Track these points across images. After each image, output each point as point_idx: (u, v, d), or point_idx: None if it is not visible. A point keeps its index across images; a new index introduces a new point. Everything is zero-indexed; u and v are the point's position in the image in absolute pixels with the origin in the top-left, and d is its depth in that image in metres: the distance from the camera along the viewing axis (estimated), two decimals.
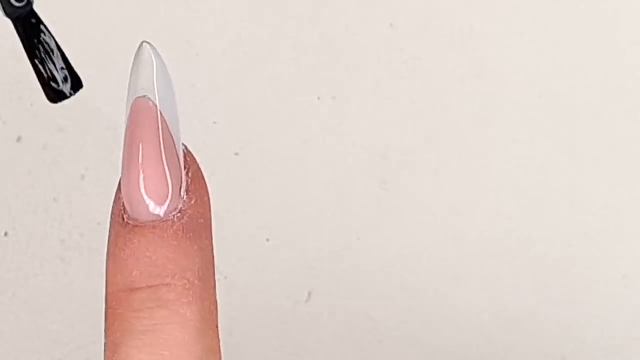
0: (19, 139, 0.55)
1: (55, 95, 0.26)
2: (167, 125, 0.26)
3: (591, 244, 0.61)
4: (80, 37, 0.57)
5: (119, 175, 0.26)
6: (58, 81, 0.26)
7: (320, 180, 0.58)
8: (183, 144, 0.27)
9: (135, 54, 0.26)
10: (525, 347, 0.61)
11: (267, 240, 0.58)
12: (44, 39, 0.26)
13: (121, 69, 0.56)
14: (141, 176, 0.26)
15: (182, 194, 0.26)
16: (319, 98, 0.57)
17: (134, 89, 0.26)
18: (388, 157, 0.59)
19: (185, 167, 0.26)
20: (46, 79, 0.26)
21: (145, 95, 0.26)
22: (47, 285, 0.56)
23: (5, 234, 0.56)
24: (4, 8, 0.26)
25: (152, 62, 0.26)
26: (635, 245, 0.61)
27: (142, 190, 0.26)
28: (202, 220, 0.26)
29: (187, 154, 0.27)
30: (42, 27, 0.26)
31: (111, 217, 0.26)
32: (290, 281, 0.59)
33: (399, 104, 0.58)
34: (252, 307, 0.58)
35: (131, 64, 0.27)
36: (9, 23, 0.55)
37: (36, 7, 0.56)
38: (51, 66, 0.26)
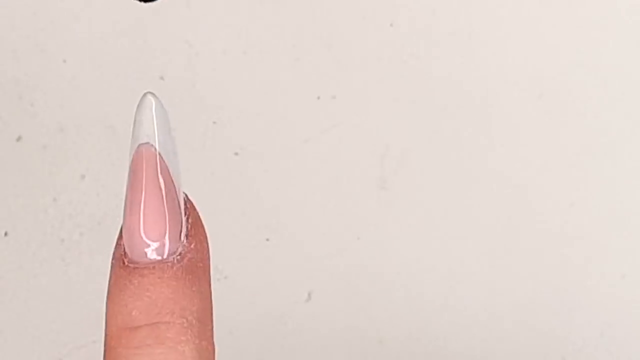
0: (19, 139, 0.55)
1: None
2: (168, 172, 0.27)
3: (591, 244, 0.61)
4: (80, 36, 0.57)
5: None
6: None
7: (320, 180, 0.58)
8: (183, 192, 0.27)
9: (138, 104, 0.27)
10: (525, 347, 0.61)
11: (267, 240, 0.58)
12: None
13: (122, 69, 0.56)
14: (142, 220, 0.26)
15: (182, 238, 0.27)
16: (319, 98, 0.57)
17: (136, 137, 0.27)
18: (388, 157, 0.59)
19: (185, 214, 0.27)
20: None
21: (147, 143, 0.27)
22: (47, 285, 0.56)
23: (5, 234, 0.56)
24: None
25: (154, 111, 0.27)
26: (635, 245, 0.61)
27: (143, 234, 0.26)
28: (201, 265, 0.27)
29: (187, 201, 0.27)
30: None
31: (112, 262, 0.27)
32: (290, 281, 0.59)
33: (399, 104, 0.58)
34: (252, 307, 0.58)
35: (134, 112, 0.27)
36: (9, 22, 0.55)
37: (29, 3, 0.56)
38: None
